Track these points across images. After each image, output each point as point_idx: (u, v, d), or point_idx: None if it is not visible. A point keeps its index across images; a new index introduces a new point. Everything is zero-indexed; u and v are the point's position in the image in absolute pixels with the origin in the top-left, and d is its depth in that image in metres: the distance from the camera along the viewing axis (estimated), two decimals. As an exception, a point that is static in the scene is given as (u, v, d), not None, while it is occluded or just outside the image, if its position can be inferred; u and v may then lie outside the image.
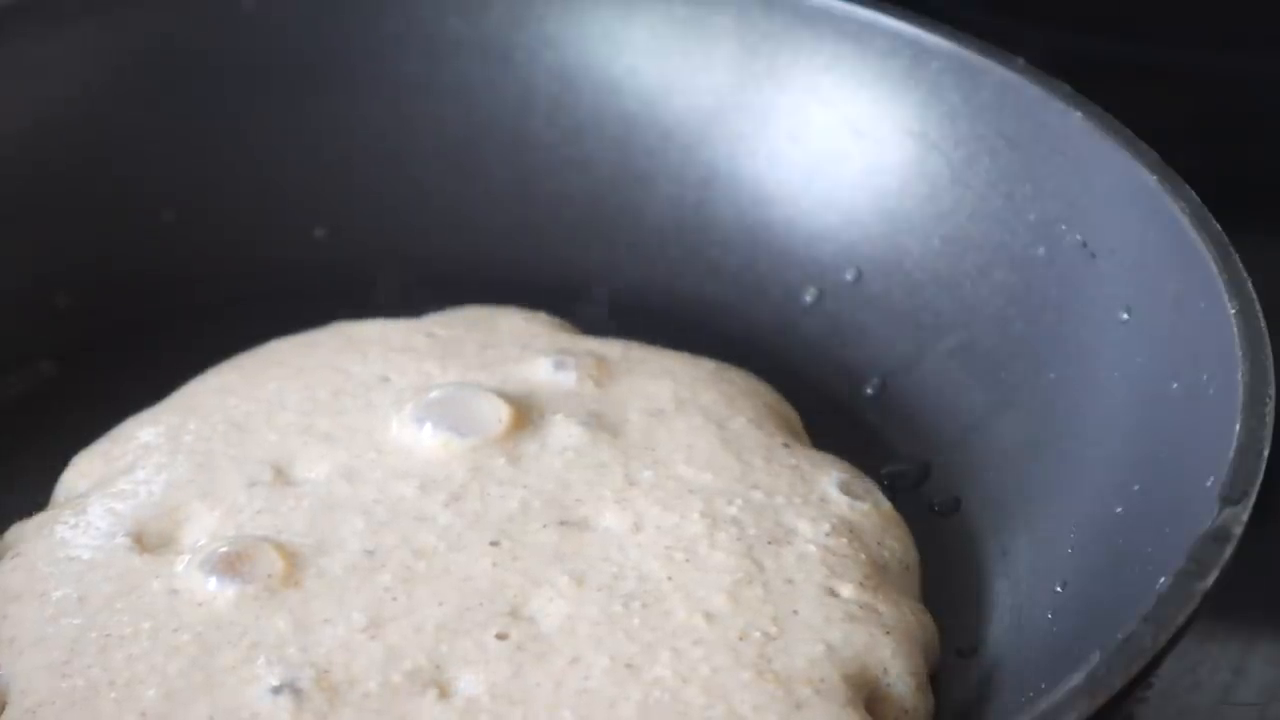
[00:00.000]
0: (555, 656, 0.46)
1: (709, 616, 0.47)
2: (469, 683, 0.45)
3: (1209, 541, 0.41)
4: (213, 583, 0.48)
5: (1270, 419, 0.44)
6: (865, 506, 0.52)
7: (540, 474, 0.51)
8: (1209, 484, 0.43)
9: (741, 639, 0.47)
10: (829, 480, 0.52)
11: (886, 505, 0.53)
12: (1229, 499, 0.42)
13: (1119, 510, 0.47)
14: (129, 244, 0.60)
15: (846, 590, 0.49)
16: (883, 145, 0.58)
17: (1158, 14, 0.67)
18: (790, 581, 0.48)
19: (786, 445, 0.54)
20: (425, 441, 0.52)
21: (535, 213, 0.62)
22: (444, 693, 0.45)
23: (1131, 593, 0.42)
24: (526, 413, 0.53)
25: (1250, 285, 0.47)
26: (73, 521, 0.51)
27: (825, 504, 0.51)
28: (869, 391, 0.57)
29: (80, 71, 0.60)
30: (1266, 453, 0.43)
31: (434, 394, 0.53)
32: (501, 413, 0.52)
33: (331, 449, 0.52)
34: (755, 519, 0.50)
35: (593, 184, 0.62)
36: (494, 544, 0.49)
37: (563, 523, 0.50)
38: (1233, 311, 0.46)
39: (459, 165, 0.62)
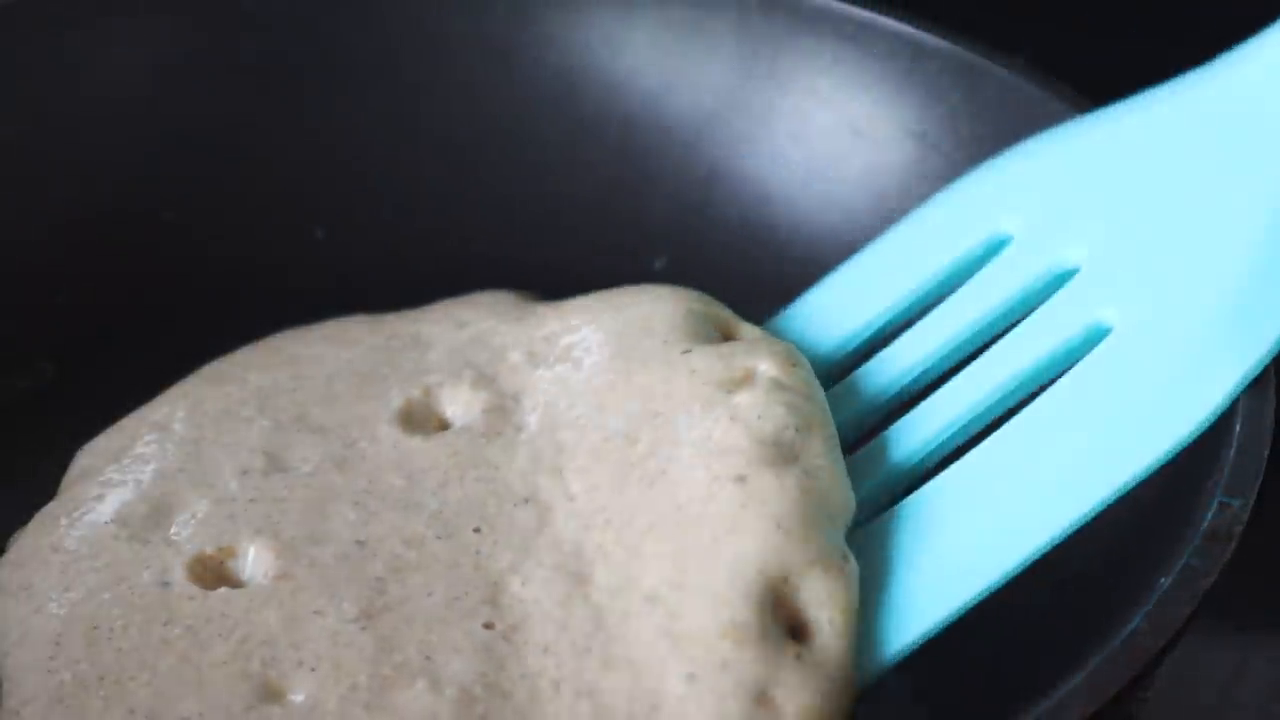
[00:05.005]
0: (532, 647, 0.45)
1: (629, 581, 0.46)
2: (460, 673, 0.45)
3: (1209, 541, 0.41)
4: (204, 575, 0.47)
5: (1270, 419, 0.44)
6: (751, 386, 0.50)
7: (509, 453, 0.50)
8: (1209, 484, 0.43)
9: (651, 600, 0.45)
10: (718, 373, 0.50)
11: (773, 373, 0.50)
12: (1229, 499, 0.42)
13: (1119, 510, 0.47)
14: (129, 244, 0.60)
15: (725, 492, 0.46)
16: (883, 145, 0.58)
17: (1158, 14, 0.67)
18: (679, 508, 0.47)
19: (687, 351, 0.51)
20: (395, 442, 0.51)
21: (536, 213, 0.62)
22: (435, 684, 0.44)
23: (1131, 593, 0.42)
24: (499, 393, 0.52)
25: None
26: (58, 513, 0.50)
27: (711, 402, 0.49)
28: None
29: (78, 72, 0.60)
30: (1266, 453, 0.43)
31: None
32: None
33: (324, 439, 0.51)
34: (655, 449, 0.48)
35: (594, 185, 0.62)
36: (477, 530, 0.48)
37: (527, 500, 0.49)
38: (1233, 311, 0.46)
39: (459, 166, 0.62)
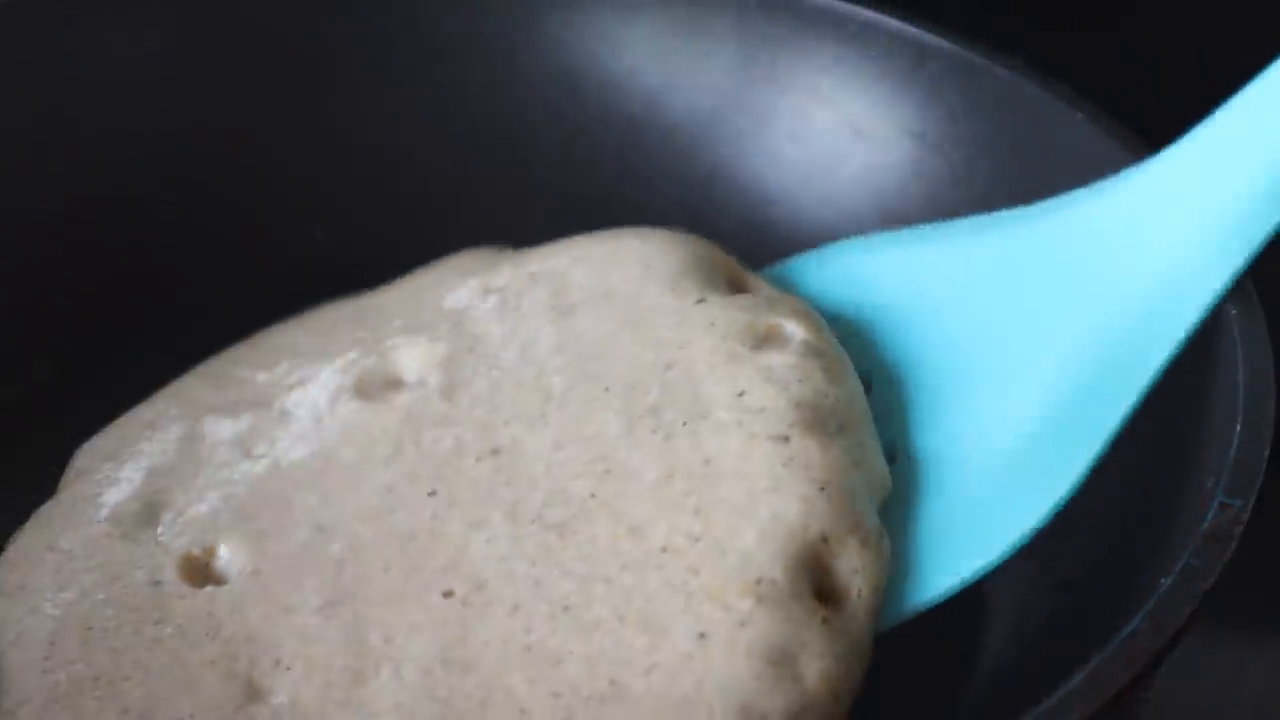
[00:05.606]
0: (498, 607, 0.43)
1: (633, 531, 0.44)
2: (421, 652, 0.43)
3: (1209, 541, 0.41)
4: (193, 574, 0.47)
5: (1270, 419, 0.44)
6: (780, 345, 0.48)
7: (470, 405, 0.48)
8: (1209, 484, 0.43)
9: (665, 551, 0.43)
10: (740, 328, 0.48)
11: (802, 335, 0.49)
12: (1229, 499, 0.42)
13: (1119, 510, 0.47)
14: (129, 243, 0.60)
15: (763, 450, 0.45)
16: (883, 145, 0.58)
17: (1158, 14, 0.67)
18: (708, 462, 0.45)
19: (701, 301, 0.49)
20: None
21: (537, 213, 0.62)
22: (399, 669, 0.43)
23: (1131, 593, 0.42)
24: (458, 343, 0.51)
25: (1250, 285, 0.47)
26: (54, 513, 0.50)
27: (735, 357, 0.47)
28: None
29: (78, 72, 0.60)
30: (1267, 453, 0.43)
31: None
32: None
33: (296, 425, 0.50)
34: (673, 400, 0.46)
35: (595, 185, 0.62)
36: (432, 494, 0.46)
37: (492, 453, 0.47)
38: (1233, 312, 0.46)
39: (460, 166, 0.62)
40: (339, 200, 0.62)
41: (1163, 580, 0.41)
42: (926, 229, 0.53)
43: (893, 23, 0.58)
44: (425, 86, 0.62)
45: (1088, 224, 0.49)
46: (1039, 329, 0.48)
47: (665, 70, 0.61)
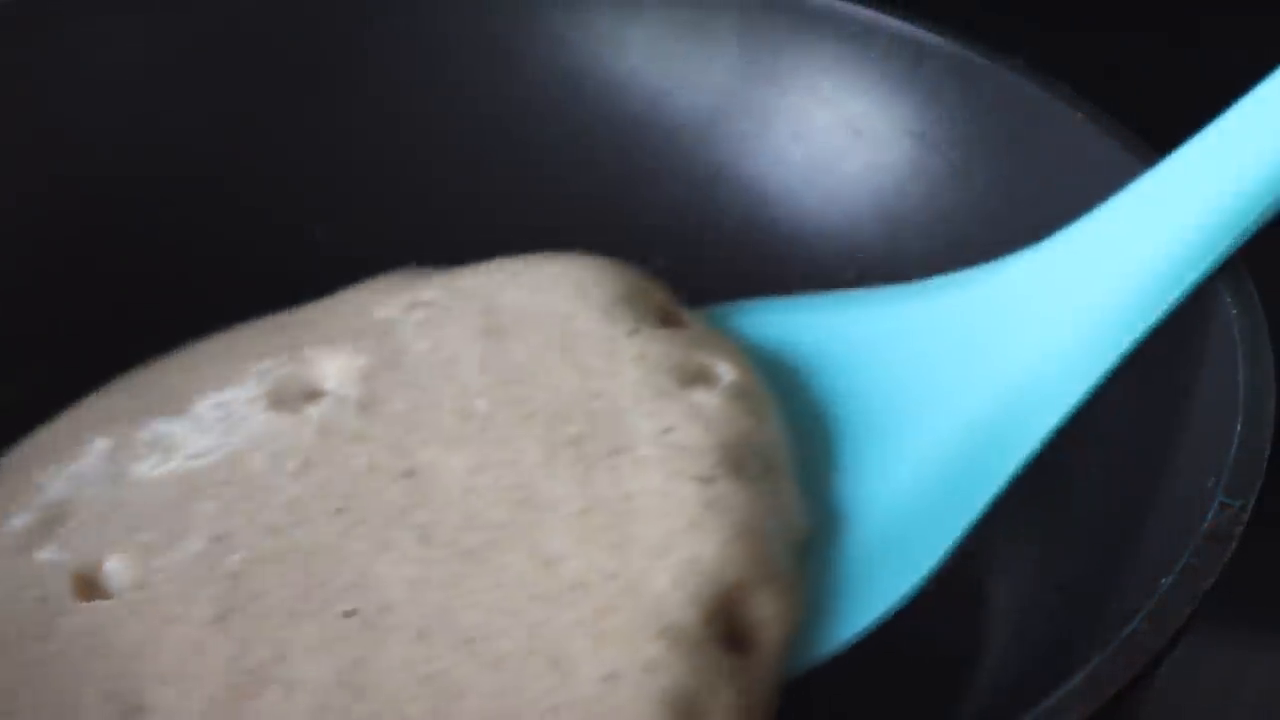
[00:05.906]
0: (402, 632, 0.41)
1: (548, 565, 0.42)
2: (315, 673, 0.41)
3: (1209, 541, 0.41)
4: (83, 589, 0.45)
5: (1270, 419, 0.44)
6: (708, 384, 0.48)
7: (387, 422, 0.47)
8: (1209, 484, 0.43)
9: (579, 587, 0.42)
10: (671, 363, 0.48)
11: (731, 376, 0.48)
12: (1229, 499, 0.42)
13: (1119, 510, 0.47)
14: (126, 245, 0.60)
15: (685, 490, 0.44)
16: (883, 145, 0.58)
17: (1158, 14, 0.67)
18: (628, 497, 0.44)
19: (633, 332, 0.49)
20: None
21: (537, 214, 0.62)
22: (289, 690, 0.41)
23: (1131, 593, 0.42)
24: (380, 356, 0.49)
25: (1250, 285, 0.47)
26: None
27: (663, 392, 0.47)
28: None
29: (75, 73, 0.60)
30: (1267, 453, 0.43)
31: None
32: None
33: (203, 434, 0.49)
34: (597, 432, 0.45)
35: (597, 185, 0.62)
36: (340, 510, 0.45)
37: (407, 474, 0.45)
38: (1233, 312, 0.46)
39: (460, 166, 0.62)
40: (340, 201, 0.62)
41: (1163, 580, 0.40)
42: (848, 293, 0.54)
43: (893, 23, 0.58)
44: (426, 87, 0.62)
45: (990, 299, 0.50)
46: (943, 388, 0.48)
47: (667, 70, 0.61)
